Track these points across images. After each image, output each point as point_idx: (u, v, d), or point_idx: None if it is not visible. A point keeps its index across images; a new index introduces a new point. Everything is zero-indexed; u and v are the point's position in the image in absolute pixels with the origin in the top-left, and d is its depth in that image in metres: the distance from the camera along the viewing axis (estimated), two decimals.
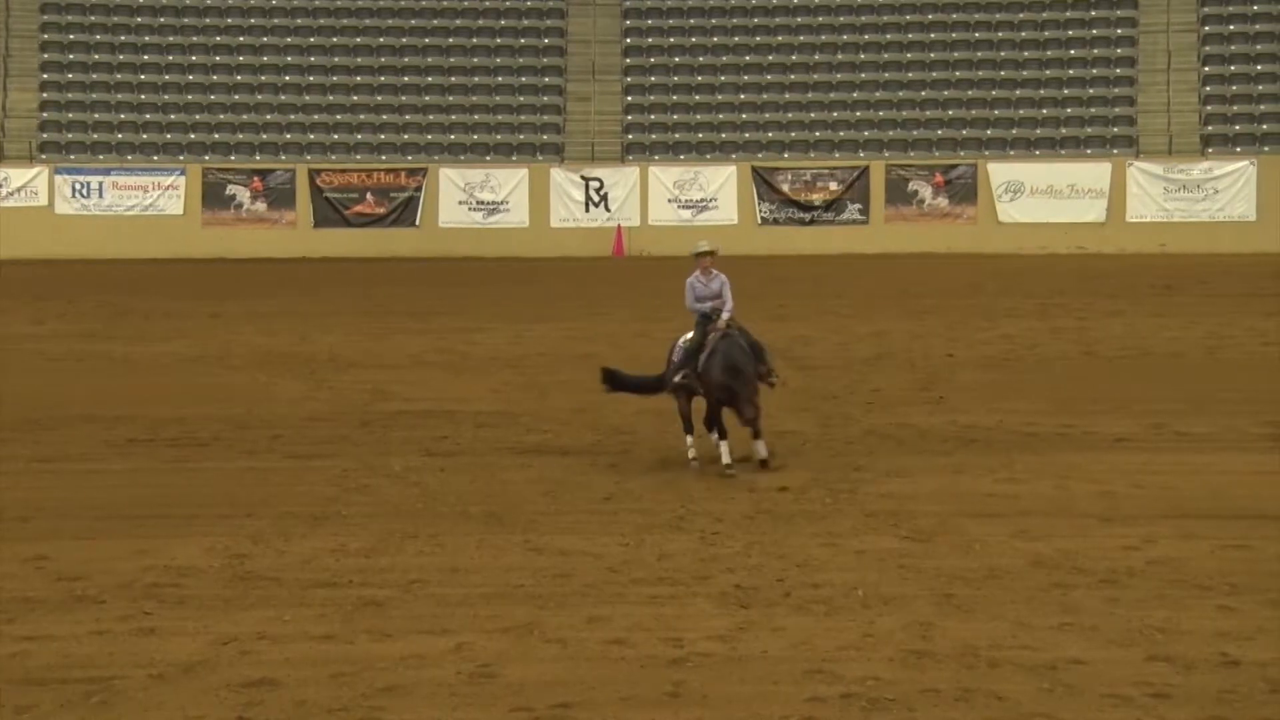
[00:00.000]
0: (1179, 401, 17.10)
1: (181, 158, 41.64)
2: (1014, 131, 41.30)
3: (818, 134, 41.90)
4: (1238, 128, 40.49)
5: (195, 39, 44.13)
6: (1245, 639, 8.96)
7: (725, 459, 13.75)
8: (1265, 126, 40.41)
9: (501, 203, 40.72)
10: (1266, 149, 39.70)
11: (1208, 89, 41.35)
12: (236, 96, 43.23)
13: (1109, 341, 22.20)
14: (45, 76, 43.28)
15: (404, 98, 43.28)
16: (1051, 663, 8.56)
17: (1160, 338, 22.59)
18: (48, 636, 9.20)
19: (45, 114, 42.67)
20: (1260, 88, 41.23)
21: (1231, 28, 42.17)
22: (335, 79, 43.62)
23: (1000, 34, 43.21)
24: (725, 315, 14.23)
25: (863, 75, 42.93)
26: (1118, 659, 8.64)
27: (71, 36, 44.00)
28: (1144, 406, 16.74)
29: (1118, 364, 20.32)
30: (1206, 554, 10.86)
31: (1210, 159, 39.50)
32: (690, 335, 14.35)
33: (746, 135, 42.12)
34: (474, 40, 44.34)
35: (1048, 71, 42.54)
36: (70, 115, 42.76)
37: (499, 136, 42.52)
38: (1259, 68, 41.58)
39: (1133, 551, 10.91)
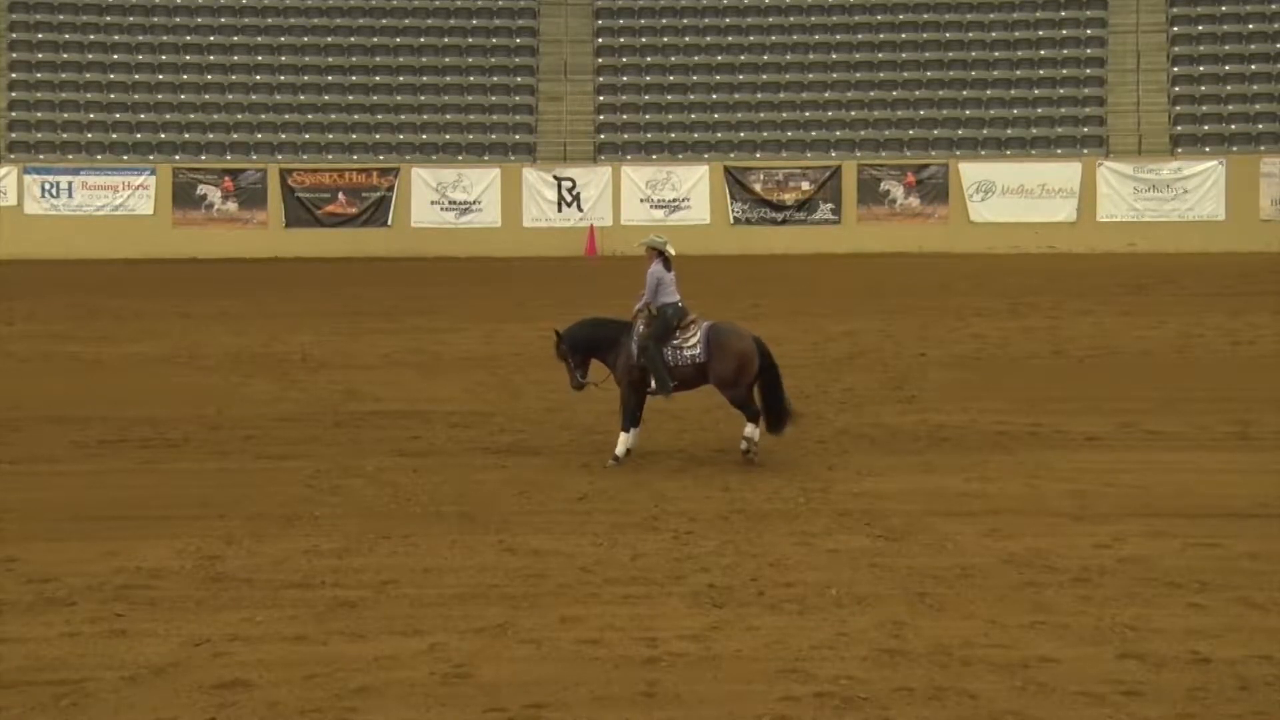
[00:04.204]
0: (1149, 400, 17.20)
1: (152, 157, 41.45)
2: (985, 131, 41.45)
3: (790, 134, 41.98)
4: (1206, 128, 40.73)
5: (165, 38, 43.94)
6: (1215, 636, 9.01)
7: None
8: (1234, 126, 40.67)
9: (474, 203, 40.67)
10: (1235, 149, 39.95)
11: (1177, 89, 41.59)
12: (207, 96, 43.06)
13: (1079, 341, 22.31)
14: (14, 76, 43.03)
15: (376, 97, 43.18)
16: (1023, 661, 8.60)
17: (1130, 337, 22.71)
18: (17, 639, 9.15)
19: (14, 113, 42.41)
20: (1229, 88, 41.49)
21: (1200, 28, 42.43)
22: (307, 78, 43.50)
23: (971, 34, 43.36)
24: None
25: (835, 75, 43.02)
26: (1089, 657, 8.69)
27: (40, 36, 43.77)
28: (1114, 405, 16.83)
29: (1088, 363, 20.42)
30: (1177, 552, 10.93)
31: (1179, 159, 39.72)
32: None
33: (719, 135, 42.17)
34: (446, 40, 44.27)
35: (1018, 72, 42.71)
36: (39, 115, 42.52)
37: (471, 136, 42.47)
38: (1227, 68, 41.83)
39: (1103, 550, 10.96)
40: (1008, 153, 40.88)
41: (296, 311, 27.24)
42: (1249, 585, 10.06)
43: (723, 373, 14.00)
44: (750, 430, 14.00)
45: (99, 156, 41.50)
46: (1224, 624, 9.24)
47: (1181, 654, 8.70)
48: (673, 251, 14.53)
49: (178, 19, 44.16)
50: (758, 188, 40.52)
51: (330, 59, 43.81)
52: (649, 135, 42.41)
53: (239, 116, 42.67)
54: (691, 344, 14.12)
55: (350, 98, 43.15)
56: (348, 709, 8.02)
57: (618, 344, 14.32)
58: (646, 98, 43.12)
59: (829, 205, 40.35)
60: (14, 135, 41.99)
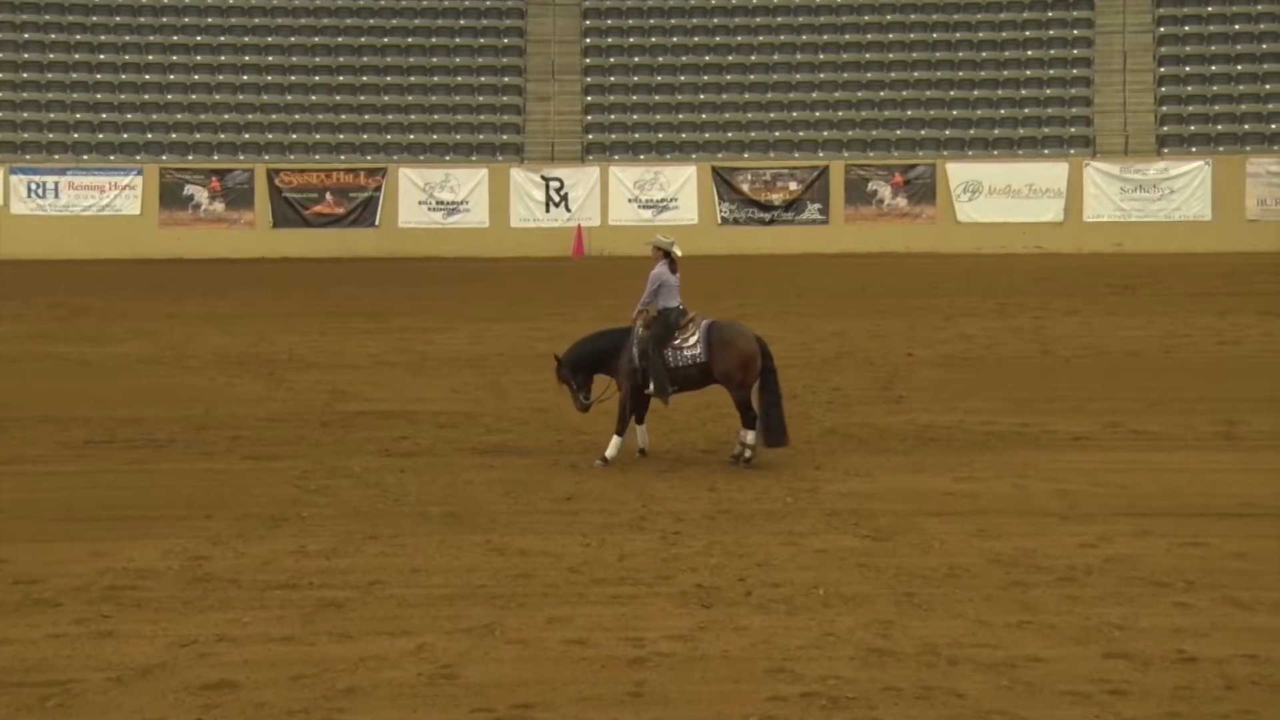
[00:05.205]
0: (1135, 400, 17.24)
1: (138, 157, 41.35)
2: (972, 132, 41.50)
3: (777, 134, 42.00)
4: (1193, 128, 40.83)
5: (152, 38, 43.85)
6: (1201, 635, 9.04)
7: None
8: (1220, 127, 40.76)
9: (461, 203, 40.64)
10: (1221, 149, 40.04)
11: (1163, 89, 41.68)
12: (194, 96, 42.98)
13: (1066, 341, 22.35)
14: (0, 75, 42.91)
15: (363, 97, 43.12)
16: (1010, 660, 8.61)
17: (1117, 337, 22.75)
18: (3, 640, 9.13)
19: (0, 113, 42.29)
20: (1215, 88, 41.59)
21: (1186, 29, 42.52)
22: (294, 78, 43.43)
23: (958, 35, 43.42)
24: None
25: (822, 75, 43.05)
26: (1076, 656, 8.71)
27: (26, 36, 43.66)
28: (1101, 405, 16.86)
29: (1075, 363, 20.45)
30: (1163, 551, 10.96)
31: (1166, 159, 39.80)
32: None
33: (706, 135, 42.17)
34: (433, 40, 44.24)
35: (1005, 72, 42.78)
36: (25, 115, 42.41)
37: (459, 136, 42.43)
38: (1213, 68, 41.93)
39: (1090, 549, 10.99)
40: (995, 153, 40.94)
41: (283, 312, 27.20)
42: (1235, 584, 10.09)
43: (727, 369, 14.01)
44: (749, 437, 13.97)
45: (85, 156, 41.40)
46: (1210, 623, 9.27)
47: (1168, 653, 8.72)
48: (679, 253, 14.52)
49: (164, 19, 44.07)
50: (745, 188, 40.53)
51: (317, 59, 43.75)
52: (637, 135, 42.41)
53: (226, 116, 42.59)
54: (691, 343, 14.11)
55: (337, 98, 43.10)
56: (335, 709, 8.01)
57: (619, 350, 14.31)
58: (634, 98, 43.11)
59: (816, 205, 40.37)
60: (0, 135, 41.86)
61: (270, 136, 42.24)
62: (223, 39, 43.90)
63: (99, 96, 42.89)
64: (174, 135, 42.20)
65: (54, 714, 8.03)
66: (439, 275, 34.90)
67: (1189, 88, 41.69)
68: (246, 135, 42.26)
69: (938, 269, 34.61)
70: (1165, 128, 40.89)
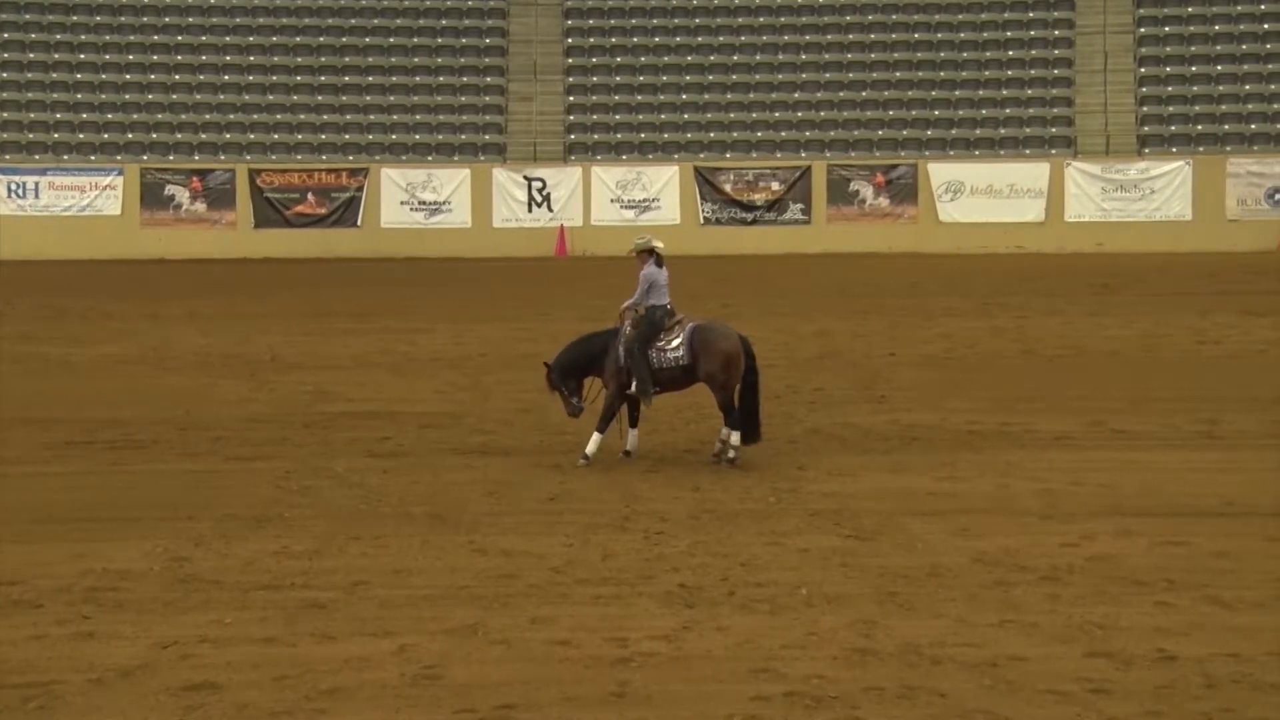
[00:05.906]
0: (1117, 399, 17.29)
1: (119, 158, 41.22)
2: (954, 132, 41.59)
3: (760, 134, 42.04)
4: (1173, 128, 40.97)
5: (133, 38, 43.73)
6: (1182, 634, 9.07)
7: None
8: (1200, 127, 40.91)
9: (443, 203, 40.60)
10: (1201, 149, 40.19)
11: (1144, 90, 41.82)
12: (175, 96, 42.87)
13: (1048, 340, 22.41)
14: None
15: (345, 97, 43.05)
16: (993, 659, 8.64)
17: (1098, 336, 22.82)
18: None
19: None
20: (1195, 88, 41.73)
21: (1167, 29, 42.68)
22: (275, 78, 43.35)
23: (939, 35, 43.50)
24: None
25: (804, 76, 43.11)
26: (1058, 655, 8.73)
27: (5, 35, 43.49)
28: (1082, 404, 16.91)
29: (1057, 363, 20.51)
30: (1144, 550, 10.99)
31: (1147, 159, 39.94)
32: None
33: (689, 135, 42.19)
34: (415, 40, 44.19)
35: (987, 72, 42.88)
36: (5, 115, 42.23)
37: (441, 136, 42.39)
38: (1194, 69, 42.08)
39: (1072, 548, 11.02)
40: (976, 153, 41.03)
41: (265, 312, 27.15)
42: (1216, 583, 10.12)
43: (711, 370, 14.02)
44: (733, 437, 13.97)
45: (66, 157, 41.26)
46: (1191, 622, 9.31)
47: (1149, 652, 8.75)
48: (661, 245, 14.51)
49: (145, 18, 43.95)
50: (728, 188, 40.57)
51: (299, 59, 43.66)
52: (619, 135, 42.41)
53: (207, 116, 42.48)
54: (674, 346, 14.11)
55: (319, 98, 43.02)
56: (317, 710, 8.00)
57: (607, 350, 14.30)
58: (616, 98, 43.12)
59: (799, 205, 40.42)
60: None
61: (252, 136, 42.15)
62: (204, 38, 43.78)
63: (79, 96, 42.75)
64: (155, 135, 42.09)
65: (35, 715, 8.01)
66: (421, 276, 34.86)
67: (1170, 88, 41.83)
68: (228, 135, 42.16)
69: (920, 269, 34.67)
70: (1146, 128, 41.03)
